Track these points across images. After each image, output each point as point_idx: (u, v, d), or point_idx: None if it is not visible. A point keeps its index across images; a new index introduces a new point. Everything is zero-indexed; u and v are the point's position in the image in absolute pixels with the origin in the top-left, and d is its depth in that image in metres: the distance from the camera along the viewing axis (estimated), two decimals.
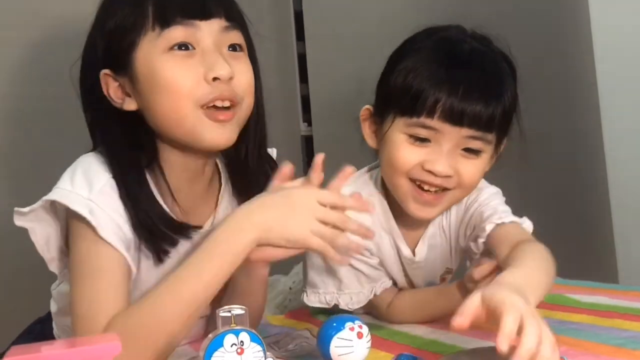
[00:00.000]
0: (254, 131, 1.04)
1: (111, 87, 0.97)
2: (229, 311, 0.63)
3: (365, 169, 1.21)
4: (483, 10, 2.09)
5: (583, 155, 2.27)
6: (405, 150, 1.05)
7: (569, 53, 2.24)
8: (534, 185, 2.16)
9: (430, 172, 1.03)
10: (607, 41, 1.90)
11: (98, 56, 0.98)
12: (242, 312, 0.64)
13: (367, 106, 1.13)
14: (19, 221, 0.94)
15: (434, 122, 1.02)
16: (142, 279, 0.98)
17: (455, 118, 1.01)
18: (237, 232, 0.87)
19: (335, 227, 0.91)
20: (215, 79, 0.93)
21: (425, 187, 1.05)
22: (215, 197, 1.09)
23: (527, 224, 1.09)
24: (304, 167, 1.80)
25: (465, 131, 1.02)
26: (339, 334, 0.75)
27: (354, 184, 1.14)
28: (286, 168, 0.95)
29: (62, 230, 0.96)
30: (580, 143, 2.28)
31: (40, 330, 1.17)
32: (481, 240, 1.07)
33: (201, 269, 0.86)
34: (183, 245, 1.00)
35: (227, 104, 0.95)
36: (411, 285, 1.22)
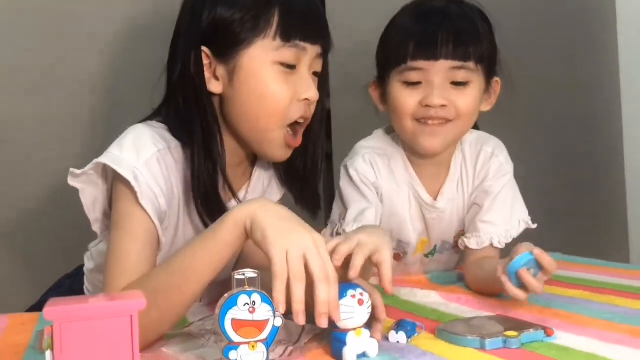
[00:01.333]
0: (312, 144, 1.13)
1: (199, 63, 1.03)
2: (243, 274, 0.70)
3: (382, 131, 1.35)
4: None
5: (600, 136, 2.29)
6: (404, 95, 1.21)
7: (592, 36, 2.24)
8: (550, 166, 2.19)
9: (428, 106, 1.19)
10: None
11: (199, 29, 1.03)
12: (255, 275, 0.70)
13: (374, 79, 1.30)
14: (72, 181, 1.01)
15: (418, 63, 1.19)
16: (179, 239, 1.06)
17: (432, 53, 1.18)
18: (228, 216, 0.86)
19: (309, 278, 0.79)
20: (305, 99, 1.03)
21: (430, 122, 1.21)
22: (249, 173, 1.17)
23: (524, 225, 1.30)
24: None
25: (445, 63, 1.18)
26: (342, 301, 0.80)
27: (378, 140, 1.33)
28: None
29: (107, 194, 1.03)
30: (599, 124, 2.30)
31: (69, 285, 1.25)
32: (472, 247, 1.27)
33: (199, 246, 0.87)
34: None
35: (302, 120, 1.05)
36: (426, 243, 1.34)
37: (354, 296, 0.80)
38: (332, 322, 0.80)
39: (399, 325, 0.90)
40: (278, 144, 1.04)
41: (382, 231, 0.96)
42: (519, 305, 1.06)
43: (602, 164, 2.27)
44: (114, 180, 1.00)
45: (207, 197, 1.02)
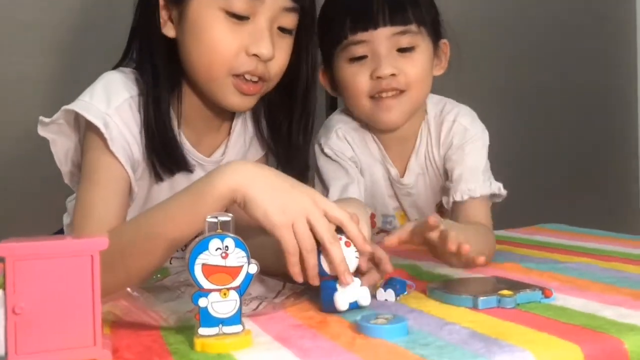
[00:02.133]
0: (301, 108, 1.08)
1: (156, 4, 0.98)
2: (216, 217, 0.65)
3: (341, 114, 1.29)
4: None
5: (615, 109, 2.24)
6: (352, 73, 1.17)
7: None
8: (565, 138, 2.15)
9: (379, 78, 1.15)
10: None
11: None
12: (228, 219, 0.66)
13: (321, 67, 1.24)
14: (42, 131, 0.97)
15: (358, 35, 1.15)
16: (153, 198, 1.02)
17: (369, 22, 1.14)
18: (211, 186, 0.79)
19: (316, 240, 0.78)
20: (255, 55, 0.95)
21: (383, 95, 1.17)
22: (227, 128, 1.12)
23: (497, 191, 1.21)
24: (327, 103, 1.82)
25: (386, 30, 1.14)
26: None
27: (345, 123, 1.26)
28: None
29: (80, 144, 0.99)
30: (614, 98, 2.24)
31: None
32: (451, 201, 1.20)
33: (174, 214, 0.81)
34: (196, 173, 1.04)
35: (255, 79, 0.97)
36: (405, 216, 1.30)
37: (340, 238, 0.77)
38: (321, 273, 0.77)
39: (387, 283, 0.85)
40: (229, 92, 0.98)
41: (358, 202, 0.92)
42: (517, 269, 1.02)
43: (617, 137, 2.22)
44: (85, 130, 0.96)
45: (159, 148, 0.97)
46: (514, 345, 0.62)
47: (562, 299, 0.82)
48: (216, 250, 0.64)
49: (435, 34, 1.21)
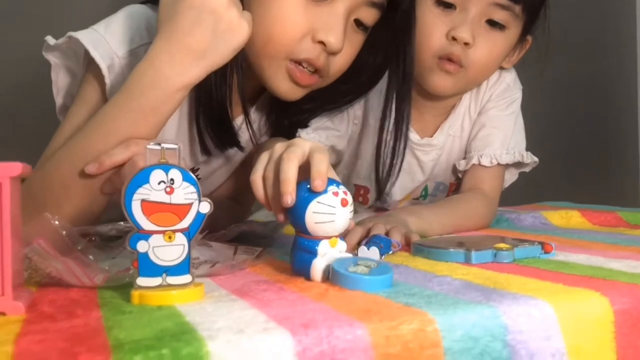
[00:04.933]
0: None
1: None
2: (159, 144, 0.54)
3: None
4: None
5: (616, 90, 2.18)
6: (432, 19, 1.03)
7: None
8: (564, 113, 2.09)
9: (454, 39, 1.01)
10: None
11: None
12: (175, 147, 0.55)
13: None
14: (47, 54, 0.84)
15: None
16: None
17: None
18: (157, 83, 0.70)
19: None
20: (321, 42, 0.81)
21: (447, 64, 1.04)
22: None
23: (521, 159, 1.13)
24: None
25: None
26: (320, 198, 0.59)
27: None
28: None
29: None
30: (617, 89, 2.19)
31: None
32: (461, 168, 1.14)
33: (109, 128, 0.71)
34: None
35: (312, 69, 0.83)
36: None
37: (336, 194, 0.60)
38: (299, 226, 0.61)
39: (370, 241, 0.74)
40: (280, 75, 0.83)
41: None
42: (511, 232, 0.95)
43: (616, 110, 2.16)
44: (88, 63, 0.82)
45: (215, 120, 0.85)
46: (516, 293, 0.52)
47: (563, 255, 0.73)
48: (159, 184, 0.53)
49: (529, 26, 1.08)
